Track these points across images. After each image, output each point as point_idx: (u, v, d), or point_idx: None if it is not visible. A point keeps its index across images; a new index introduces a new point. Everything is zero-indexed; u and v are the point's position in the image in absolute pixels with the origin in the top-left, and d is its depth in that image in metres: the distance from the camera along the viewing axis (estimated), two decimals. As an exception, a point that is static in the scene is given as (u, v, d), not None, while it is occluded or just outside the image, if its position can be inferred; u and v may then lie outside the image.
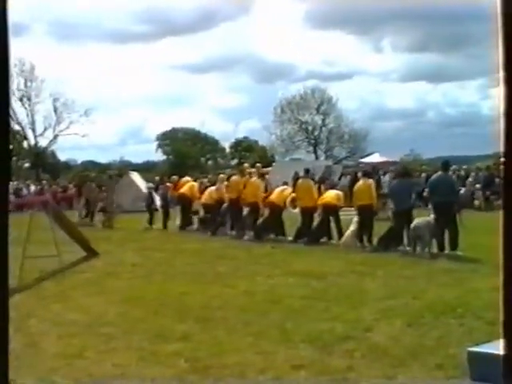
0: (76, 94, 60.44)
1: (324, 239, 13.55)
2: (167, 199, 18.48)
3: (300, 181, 14.91)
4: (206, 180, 19.23)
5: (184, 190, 17.26)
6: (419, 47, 71.93)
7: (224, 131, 79.64)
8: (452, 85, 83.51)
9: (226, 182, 15.94)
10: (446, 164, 12.40)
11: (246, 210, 15.19)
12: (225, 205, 15.53)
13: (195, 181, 18.09)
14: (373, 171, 21.36)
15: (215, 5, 62.75)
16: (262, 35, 74.63)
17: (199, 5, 66.28)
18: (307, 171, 14.81)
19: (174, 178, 20.58)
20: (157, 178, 21.43)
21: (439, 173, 12.26)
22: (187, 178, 18.80)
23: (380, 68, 78.45)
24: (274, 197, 14.62)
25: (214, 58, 75.04)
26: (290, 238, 13.87)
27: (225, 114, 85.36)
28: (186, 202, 17.10)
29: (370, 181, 13.50)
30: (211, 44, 76.31)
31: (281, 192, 14.80)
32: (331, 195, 13.89)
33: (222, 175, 17.38)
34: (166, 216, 18.05)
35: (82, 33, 73.15)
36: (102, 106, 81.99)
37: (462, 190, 20.31)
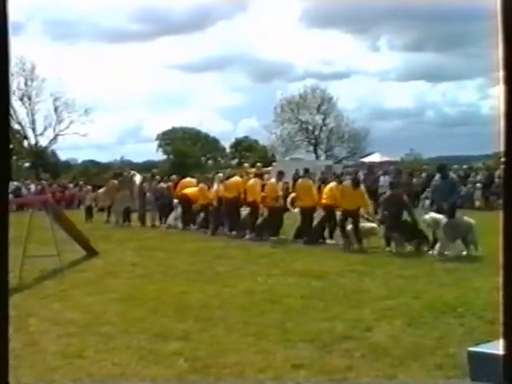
0: (74, 93, 60.26)
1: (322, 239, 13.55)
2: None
3: (300, 180, 14.89)
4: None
5: (186, 191, 17.21)
6: (417, 46, 71.87)
7: (222, 130, 79.66)
8: (451, 84, 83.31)
9: (224, 182, 15.87)
10: (443, 168, 12.33)
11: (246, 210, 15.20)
12: (224, 205, 15.50)
13: (198, 183, 17.76)
14: (369, 170, 21.39)
15: (212, 3, 62.53)
16: (258, 34, 74.43)
17: (195, 3, 66.13)
18: (307, 171, 14.78)
19: (174, 177, 20.58)
20: (157, 177, 21.29)
21: (437, 177, 12.23)
22: (189, 179, 18.67)
23: (378, 67, 78.30)
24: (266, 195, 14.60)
25: (211, 56, 74.85)
26: (283, 237, 13.96)
27: (223, 113, 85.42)
28: (187, 203, 17.08)
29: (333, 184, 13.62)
30: (208, 43, 76.09)
31: (273, 188, 14.52)
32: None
33: (219, 174, 17.33)
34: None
35: (78, 32, 72.96)
36: (99, 105, 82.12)
37: (463, 191, 20.30)
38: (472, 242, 10.79)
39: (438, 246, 10.99)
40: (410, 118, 73.63)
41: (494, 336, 3.63)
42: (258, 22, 74.79)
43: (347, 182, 13.63)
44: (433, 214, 11.23)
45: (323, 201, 13.38)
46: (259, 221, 14.78)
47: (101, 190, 22.42)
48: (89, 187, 26.25)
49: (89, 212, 21.73)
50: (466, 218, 11.30)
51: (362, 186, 13.79)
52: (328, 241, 13.40)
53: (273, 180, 14.97)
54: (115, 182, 20.79)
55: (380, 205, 13.89)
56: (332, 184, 13.64)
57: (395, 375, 4.79)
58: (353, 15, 61.01)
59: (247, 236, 14.51)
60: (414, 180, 24.60)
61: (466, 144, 78.04)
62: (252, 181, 15.15)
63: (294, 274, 9.36)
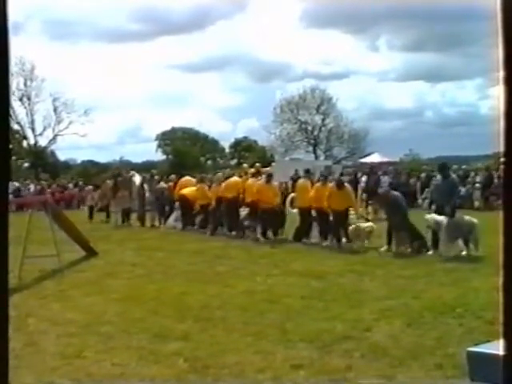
0: (73, 93, 60.24)
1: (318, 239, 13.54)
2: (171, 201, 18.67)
3: (300, 181, 14.91)
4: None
5: (185, 191, 17.19)
6: (416, 46, 71.68)
7: (222, 131, 79.54)
8: (450, 84, 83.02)
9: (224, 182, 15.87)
10: (444, 167, 12.32)
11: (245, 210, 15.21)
12: (223, 205, 15.50)
13: (197, 182, 17.73)
14: (371, 171, 21.43)
15: (211, 3, 62.47)
16: (258, 34, 74.28)
17: (195, 3, 66.07)
18: (308, 171, 14.74)
19: (173, 177, 20.60)
20: (156, 177, 21.31)
21: (438, 177, 12.24)
22: (188, 178, 18.67)
23: (377, 67, 78.15)
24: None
25: (210, 57, 74.69)
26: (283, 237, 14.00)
27: (222, 113, 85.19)
28: (186, 203, 17.09)
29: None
30: (207, 43, 76.09)
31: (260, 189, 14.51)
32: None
33: (219, 174, 17.32)
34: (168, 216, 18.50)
35: (77, 31, 72.70)
36: (99, 105, 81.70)
37: (462, 191, 20.29)
38: (473, 242, 10.78)
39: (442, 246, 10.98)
40: (409, 118, 73.66)
41: (493, 336, 3.63)
42: (258, 22, 74.81)
43: (332, 183, 13.67)
44: (433, 216, 11.20)
45: (312, 203, 13.42)
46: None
47: (97, 192, 22.55)
48: (90, 187, 26.22)
49: (90, 212, 21.75)
50: (467, 218, 11.26)
51: (348, 186, 13.86)
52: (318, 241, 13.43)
53: (261, 182, 14.94)
54: (109, 182, 20.93)
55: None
56: (318, 185, 13.65)
57: (394, 375, 4.79)
58: (352, 15, 60.95)
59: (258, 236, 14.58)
60: (411, 180, 24.70)
61: (466, 144, 78.02)
62: (250, 181, 15.16)
63: (294, 274, 9.37)
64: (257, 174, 15.44)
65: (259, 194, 14.26)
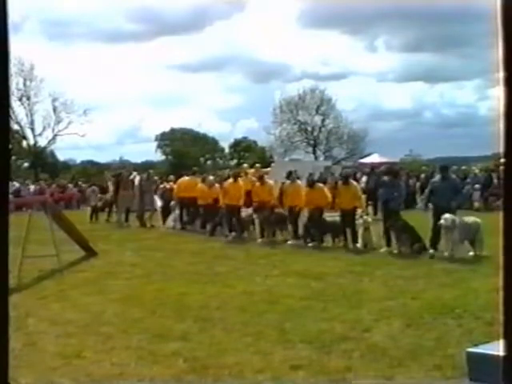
0: (73, 93, 60.30)
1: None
2: (167, 200, 18.65)
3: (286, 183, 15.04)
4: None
5: (184, 192, 17.19)
6: (414, 47, 71.99)
7: (221, 131, 79.70)
8: (449, 85, 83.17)
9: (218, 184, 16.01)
10: (445, 169, 12.25)
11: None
12: (222, 206, 15.52)
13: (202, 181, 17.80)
14: (371, 171, 21.49)
15: (209, 3, 62.52)
16: (256, 34, 74.42)
17: (193, 3, 66.06)
18: (290, 174, 14.55)
19: (171, 177, 20.62)
20: (156, 178, 21.37)
21: (438, 177, 12.17)
22: (187, 178, 18.68)
23: (375, 68, 78.41)
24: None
25: (209, 57, 74.83)
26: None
27: (221, 113, 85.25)
28: (185, 203, 17.10)
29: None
30: (206, 43, 76.12)
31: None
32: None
33: (210, 177, 17.41)
34: (167, 216, 18.47)
35: (76, 32, 72.60)
36: (98, 105, 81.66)
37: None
38: (476, 243, 10.81)
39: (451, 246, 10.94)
40: (408, 118, 73.81)
41: (492, 337, 3.64)
42: (256, 23, 74.96)
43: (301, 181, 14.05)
44: (449, 216, 10.96)
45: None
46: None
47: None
48: (95, 188, 26.13)
49: (92, 212, 21.65)
50: (467, 218, 11.28)
51: (355, 183, 13.93)
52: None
53: (241, 182, 15.18)
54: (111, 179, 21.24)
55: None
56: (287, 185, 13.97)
57: (394, 376, 4.80)
58: (350, 16, 61.10)
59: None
60: (411, 181, 24.75)
61: (465, 145, 78.25)
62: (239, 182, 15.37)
63: (293, 275, 9.36)
64: (237, 177, 15.50)
65: (253, 195, 14.49)
